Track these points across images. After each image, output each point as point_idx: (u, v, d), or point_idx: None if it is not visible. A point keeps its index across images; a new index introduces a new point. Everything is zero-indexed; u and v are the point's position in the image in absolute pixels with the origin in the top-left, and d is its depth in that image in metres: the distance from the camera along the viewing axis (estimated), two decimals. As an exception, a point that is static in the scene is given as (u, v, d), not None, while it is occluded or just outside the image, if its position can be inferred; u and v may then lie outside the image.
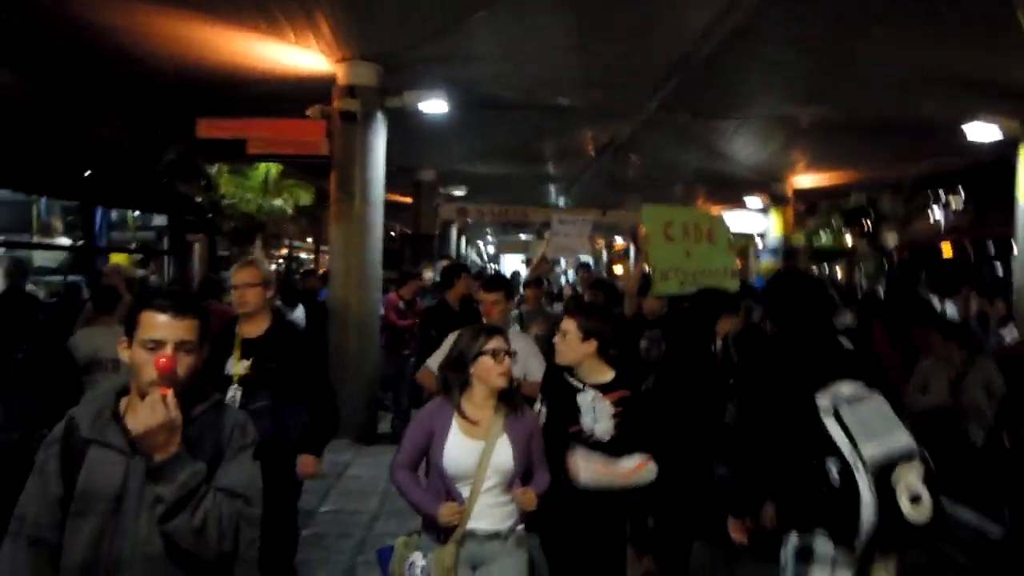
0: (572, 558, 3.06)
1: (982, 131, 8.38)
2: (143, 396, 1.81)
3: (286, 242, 34.34)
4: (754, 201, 15.98)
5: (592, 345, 3.15)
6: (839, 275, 30.51)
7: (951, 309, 9.29)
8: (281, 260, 31.57)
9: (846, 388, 2.69)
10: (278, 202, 21.39)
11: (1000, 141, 8.43)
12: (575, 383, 3.14)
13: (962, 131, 8.50)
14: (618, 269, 31.81)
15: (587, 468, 2.92)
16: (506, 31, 7.52)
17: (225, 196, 19.99)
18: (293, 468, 3.40)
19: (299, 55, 7.64)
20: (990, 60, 7.52)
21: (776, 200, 15.41)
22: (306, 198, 21.92)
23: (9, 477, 2.31)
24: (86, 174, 8.61)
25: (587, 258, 19.60)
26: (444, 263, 12.69)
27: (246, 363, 3.39)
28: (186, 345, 1.86)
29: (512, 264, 29.93)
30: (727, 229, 5.10)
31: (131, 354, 1.87)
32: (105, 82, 8.92)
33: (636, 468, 2.98)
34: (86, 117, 10.13)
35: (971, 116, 8.37)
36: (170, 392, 1.78)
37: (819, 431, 2.61)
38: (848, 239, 28.61)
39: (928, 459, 2.58)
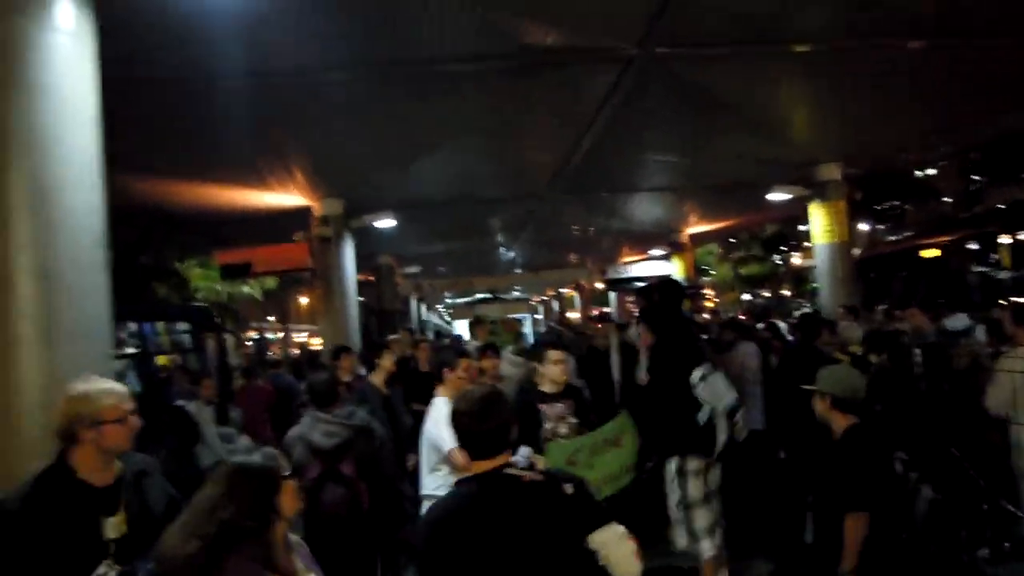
0: None
1: (779, 195, 11.60)
2: None
3: (253, 324, 36.58)
4: (657, 251, 19.05)
5: None
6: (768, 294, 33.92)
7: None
8: (250, 341, 33.78)
9: (701, 369, 4.35)
10: (246, 289, 23.55)
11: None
12: None
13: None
14: (571, 315, 34.83)
15: None
16: (440, 162, 10.08)
17: (198, 289, 22.10)
18: None
19: (283, 198, 10.46)
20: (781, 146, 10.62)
21: (676, 248, 18.50)
22: (271, 283, 24.10)
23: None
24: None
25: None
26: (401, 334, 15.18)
27: (116, 519, 2.44)
28: None
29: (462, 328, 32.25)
30: (634, 433, 4.68)
31: None
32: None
33: None
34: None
35: (771, 185, 11.59)
36: None
37: (692, 396, 4.30)
38: (771, 264, 32.31)
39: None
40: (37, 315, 2.90)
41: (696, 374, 4.31)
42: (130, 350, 10.04)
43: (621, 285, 20.74)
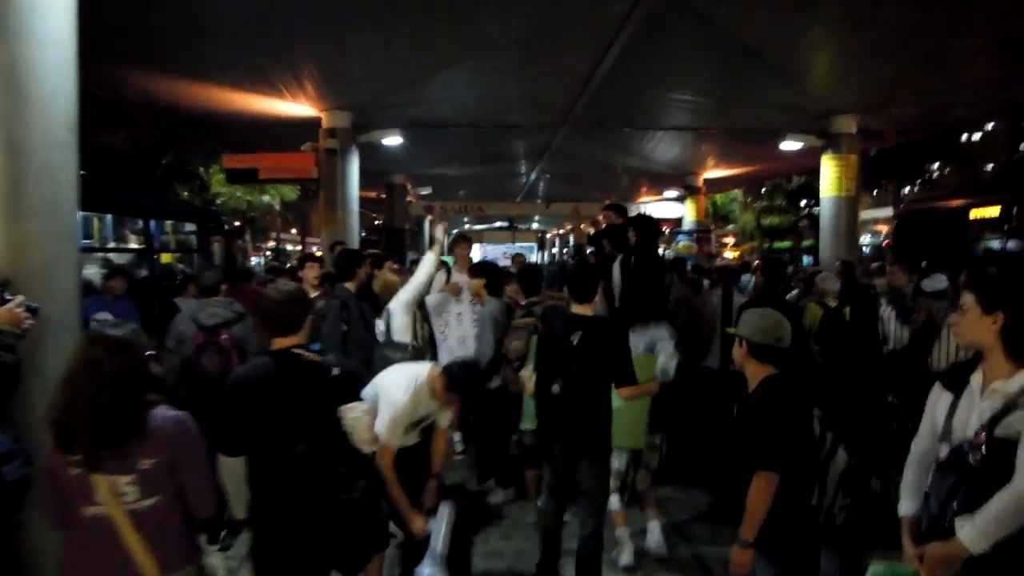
0: None
1: (792, 143, 11.44)
2: None
3: (273, 234, 37.05)
4: (672, 192, 18.92)
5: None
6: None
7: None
8: (268, 252, 34.32)
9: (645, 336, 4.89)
10: (266, 198, 23.76)
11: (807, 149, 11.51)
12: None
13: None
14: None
15: None
16: (452, 82, 9.96)
17: (218, 195, 22.36)
18: None
19: (293, 107, 10.51)
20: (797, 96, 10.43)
21: (690, 190, 18.36)
22: (291, 194, 24.24)
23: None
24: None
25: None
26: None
27: None
28: None
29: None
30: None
31: None
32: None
33: None
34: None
35: (785, 132, 11.42)
36: None
37: None
38: (793, 216, 31.97)
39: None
40: (5, 189, 3.08)
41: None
42: (133, 245, 10.34)
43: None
